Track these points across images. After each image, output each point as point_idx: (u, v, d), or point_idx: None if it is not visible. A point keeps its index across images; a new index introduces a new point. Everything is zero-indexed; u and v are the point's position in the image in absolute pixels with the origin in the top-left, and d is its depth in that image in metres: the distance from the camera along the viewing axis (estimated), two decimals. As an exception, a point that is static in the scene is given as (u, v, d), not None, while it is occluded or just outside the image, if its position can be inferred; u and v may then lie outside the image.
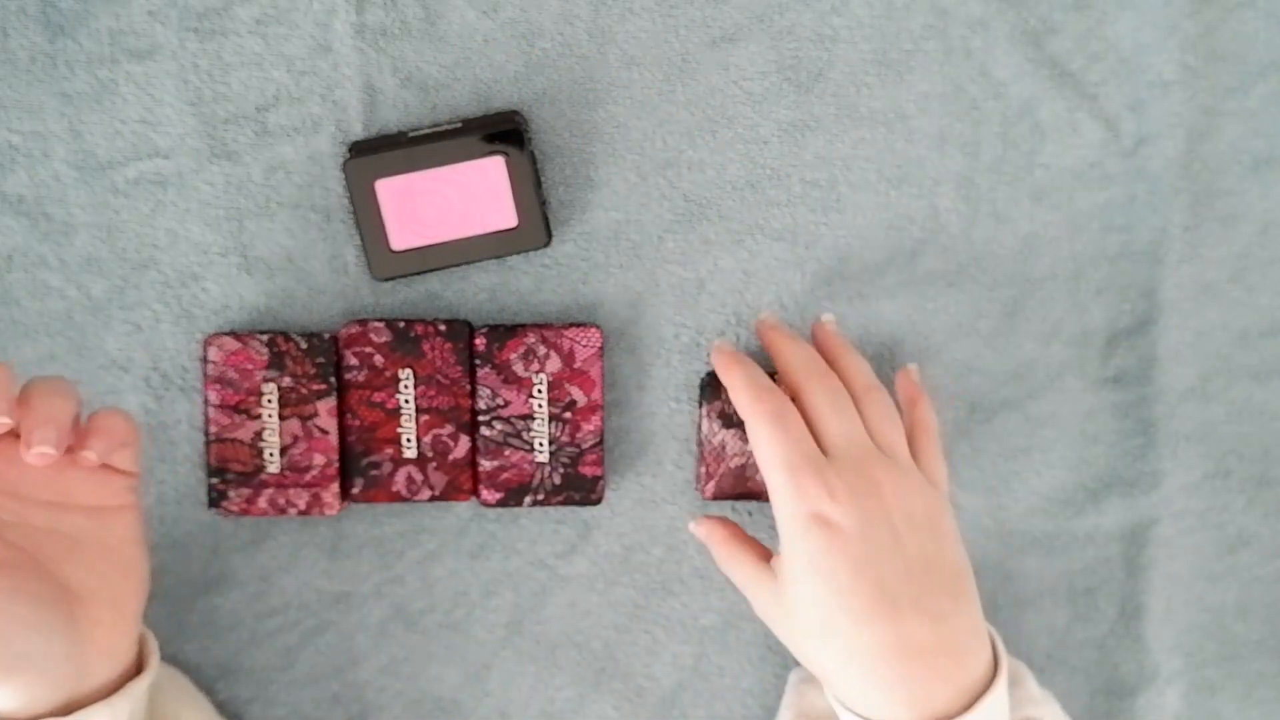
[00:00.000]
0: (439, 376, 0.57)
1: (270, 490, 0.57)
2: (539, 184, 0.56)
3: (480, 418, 0.57)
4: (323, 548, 0.59)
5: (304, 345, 0.56)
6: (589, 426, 0.57)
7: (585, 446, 0.57)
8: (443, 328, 0.57)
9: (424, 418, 0.57)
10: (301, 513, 0.57)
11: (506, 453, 0.57)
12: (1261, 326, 0.63)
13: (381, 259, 0.56)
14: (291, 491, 0.57)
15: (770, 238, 0.59)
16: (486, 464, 0.57)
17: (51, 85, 0.56)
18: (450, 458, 0.57)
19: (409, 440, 0.57)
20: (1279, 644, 0.65)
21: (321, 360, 0.56)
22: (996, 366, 0.61)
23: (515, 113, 0.57)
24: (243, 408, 0.56)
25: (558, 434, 0.57)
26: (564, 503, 0.58)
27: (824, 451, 0.50)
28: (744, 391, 0.51)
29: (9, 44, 0.56)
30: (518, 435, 0.57)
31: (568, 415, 0.57)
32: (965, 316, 0.61)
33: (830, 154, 0.59)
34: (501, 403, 0.57)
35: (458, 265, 0.57)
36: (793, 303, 0.60)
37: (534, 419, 0.57)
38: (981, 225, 0.60)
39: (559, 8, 0.57)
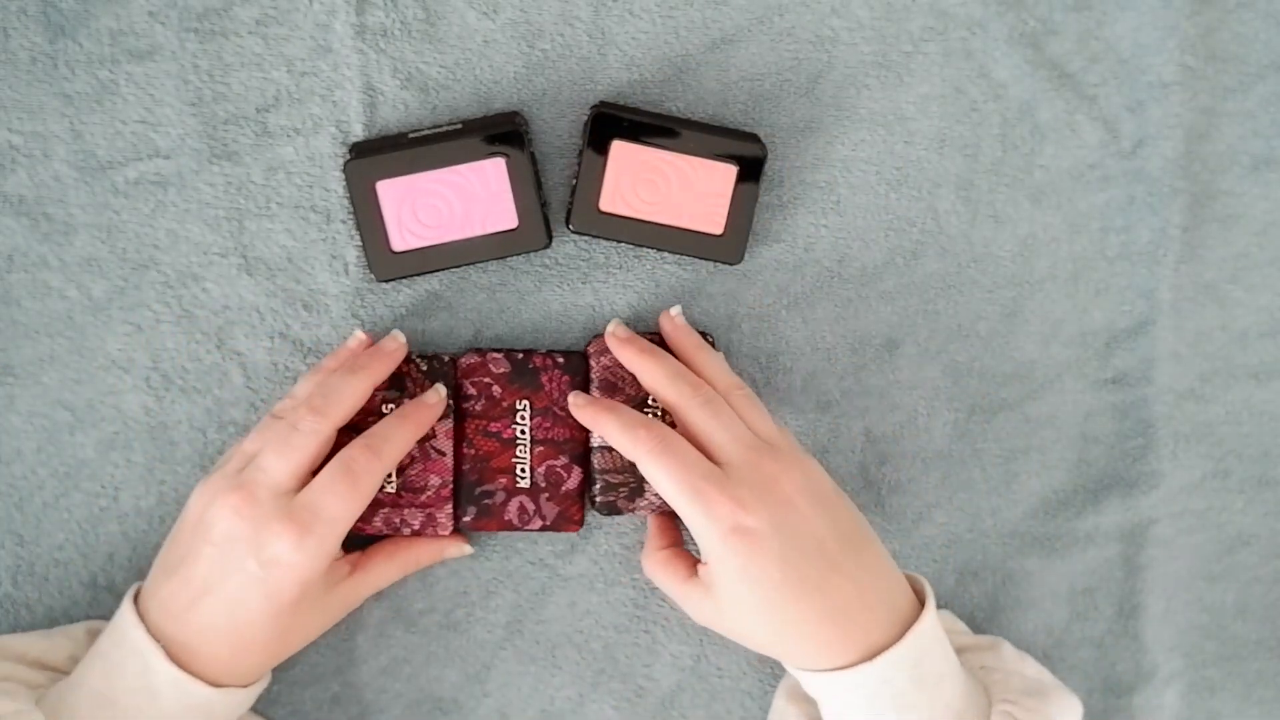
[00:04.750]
0: (555, 408, 0.57)
1: (386, 509, 0.56)
2: (539, 184, 0.56)
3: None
4: (323, 548, 0.59)
5: (424, 368, 0.56)
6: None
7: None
8: (560, 360, 0.57)
9: (539, 449, 0.57)
10: (415, 532, 0.57)
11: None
12: (1261, 326, 0.63)
13: (382, 260, 0.56)
14: (407, 511, 0.57)
15: (770, 239, 0.59)
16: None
17: (52, 85, 0.56)
18: (563, 489, 0.58)
19: (523, 470, 0.57)
20: (1278, 644, 0.65)
21: (440, 384, 0.56)
22: (996, 368, 0.61)
23: (515, 114, 0.57)
24: (363, 429, 0.55)
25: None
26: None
27: (716, 463, 0.52)
28: (621, 434, 0.53)
29: (9, 44, 0.56)
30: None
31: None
32: (965, 318, 0.61)
33: (829, 156, 0.59)
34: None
35: (458, 266, 0.57)
36: (793, 304, 0.60)
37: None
38: (981, 227, 0.60)
39: (559, 9, 0.57)
